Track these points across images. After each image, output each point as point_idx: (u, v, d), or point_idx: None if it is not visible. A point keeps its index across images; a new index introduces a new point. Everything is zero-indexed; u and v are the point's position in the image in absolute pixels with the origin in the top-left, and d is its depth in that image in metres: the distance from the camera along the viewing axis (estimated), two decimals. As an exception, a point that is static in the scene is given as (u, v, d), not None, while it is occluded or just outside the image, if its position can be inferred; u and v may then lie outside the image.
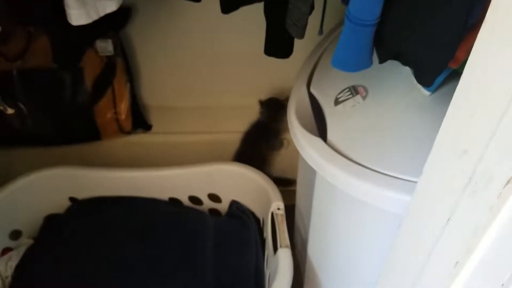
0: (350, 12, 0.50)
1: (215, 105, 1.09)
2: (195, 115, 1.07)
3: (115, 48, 0.91)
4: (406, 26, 0.48)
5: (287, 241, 0.74)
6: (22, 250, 0.83)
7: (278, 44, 0.62)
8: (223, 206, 0.95)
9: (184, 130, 1.05)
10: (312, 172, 0.64)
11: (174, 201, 0.94)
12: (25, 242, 0.87)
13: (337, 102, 0.63)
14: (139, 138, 1.04)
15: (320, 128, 0.65)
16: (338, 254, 0.68)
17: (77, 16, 0.58)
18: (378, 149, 0.56)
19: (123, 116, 0.99)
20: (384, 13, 0.49)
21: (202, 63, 1.03)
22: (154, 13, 0.94)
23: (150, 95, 1.08)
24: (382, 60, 0.54)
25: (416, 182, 0.51)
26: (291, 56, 0.69)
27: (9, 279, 0.79)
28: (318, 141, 0.59)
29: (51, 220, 0.90)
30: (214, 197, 0.95)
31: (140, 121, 1.04)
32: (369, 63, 0.54)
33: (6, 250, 0.83)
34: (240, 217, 0.90)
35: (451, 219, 0.35)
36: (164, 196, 0.93)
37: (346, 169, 0.55)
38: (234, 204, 0.92)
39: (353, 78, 0.64)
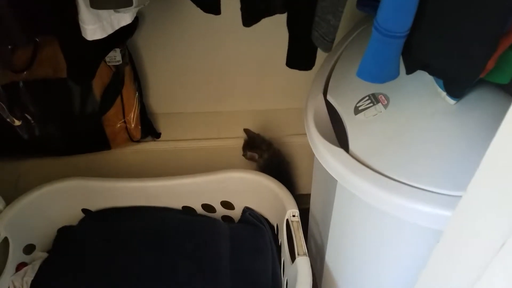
0: (379, 23, 0.47)
1: (224, 111, 1.05)
2: (204, 121, 1.04)
3: (123, 57, 0.87)
4: (437, 36, 0.45)
5: (304, 249, 0.71)
6: (37, 265, 0.79)
7: (301, 56, 0.58)
8: (236, 213, 0.92)
9: (193, 136, 1.01)
10: (331, 182, 0.61)
11: (187, 210, 0.90)
12: (39, 256, 0.83)
13: (357, 110, 0.60)
14: (149, 146, 1.00)
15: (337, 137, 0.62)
16: (358, 264, 0.65)
17: (92, 31, 0.54)
18: (404, 160, 0.53)
19: (132, 125, 0.95)
20: (414, 22, 0.46)
21: (209, 69, 1.00)
22: (160, 21, 0.90)
23: (158, 103, 1.05)
24: (409, 71, 0.50)
25: (445, 194, 0.49)
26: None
27: (25, 295, 0.76)
28: (341, 152, 0.56)
29: (64, 233, 0.86)
30: (227, 204, 0.91)
31: (149, 129, 1.00)
32: (396, 74, 0.51)
33: (21, 265, 0.79)
34: (254, 223, 0.87)
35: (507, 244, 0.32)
36: (178, 205, 0.90)
37: (372, 180, 0.52)
38: (247, 211, 0.89)
39: (371, 86, 0.61)
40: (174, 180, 0.88)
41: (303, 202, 0.85)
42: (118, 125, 0.94)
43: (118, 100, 0.92)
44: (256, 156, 0.96)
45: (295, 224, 0.76)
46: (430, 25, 0.46)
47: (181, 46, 0.95)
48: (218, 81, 1.02)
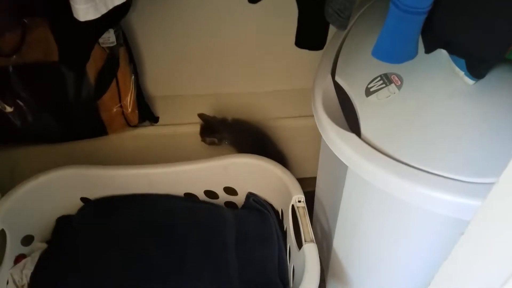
0: (399, -1, 0.42)
1: (224, 92, 1.01)
2: (204, 104, 0.99)
3: (117, 38, 0.82)
4: (461, 11, 0.41)
5: (311, 235, 0.69)
6: (36, 256, 0.76)
7: (312, 35, 0.53)
8: (239, 199, 0.89)
9: (193, 120, 0.96)
10: (340, 167, 0.58)
11: (189, 196, 0.87)
12: (39, 246, 0.80)
13: (368, 92, 0.56)
14: (147, 130, 0.96)
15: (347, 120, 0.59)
16: (369, 251, 0.63)
17: (85, 11, 0.49)
18: (420, 144, 0.49)
19: (129, 110, 0.91)
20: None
21: (209, 49, 0.94)
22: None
23: (155, 86, 1.00)
24: (429, 50, 0.47)
25: (464, 181, 0.46)
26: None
27: (25, 288, 0.73)
28: (352, 136, 0.52)
29: (63, 222, 0.83)
30: (230, 190, 0.88)
31: (146, 113, 0.96)
32: (415, 53, 0.47)
33: (20, 257, 0.76)
34: (259, 209, 0.84)
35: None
36: (179, 191, 0.87)
37: (386, 166, 0.48)
38: (251, 196, 0.86)
39: (383, 66, 0.56)
40: (175, 167, 0.84)
41: (306, 185, 0.82)
42: (114, 110, 0.89)
43: (114, 83, 0.87)
44: (215, 140, 0.92)
45: (301, 210, 0.73)
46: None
47: (178, 24, 0.90)
48: (218, 62, 0.97)
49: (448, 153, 0.47)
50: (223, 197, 0.89)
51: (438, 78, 0.53)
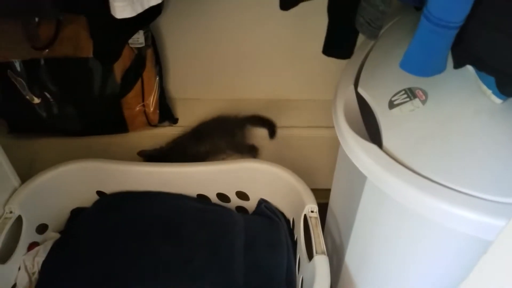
0: (430, 12, 0.41)
1: (242, 98, 1.00)
2: (221, 109, 0.99)
3: (146, 39, 0.82)
4: (495, 28, 0.39)
5: (323, 247, 0.67)
6: (48, 245, 0.75)
7: (340, 44, 0.53)
8: (250, 204, 0.87)
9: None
10: (358, 178, 0.56)
11: (202, 198, 0.86)
12: (51, 236, 0.79)
13: (392, 105, 0.54)
14: (166, 131, 0.95)
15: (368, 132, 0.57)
16: (383, 267, 0.60)
17: (122, 9, 0.50)
18: (443, 160, 0.47)
19: (151, 109, 0.91)
20: (470, 11, 0.40)
21: (230, 56, 0.95)
22: (185, 4, 0.85)
23: (177, 88, 1.00)
24: (458, 65, 0.45)
25: (489, 200, 0.44)
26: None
27: (35, 276, 0.72)
28: (374, 148, 0.51)
29: (77, 214, 0.82)
30: (242, 195, 0.87)
31: (167, 114, 0.95)
32: (443, 67, 0.45)
33: (33, 244, 0.76)
34: (269, 216, 0.82)
35: None
36: (193, 192, 0.85)
37: (407, 180, 0.46)
38: (262, 203, 0.84)
39: (407, 80, 0.55)
40: (190, 167, 0.83)
41: (318, 197, 0.80)
42: (137, 109, 0.89)
43: (139, 83, 0.87)
44: None
45: (313, 220, 0.71)
46: (488, 14, 0.40)
47: (203, 30, 0.90)
48: (239, 68, 0.97)
49: (472, 170, 0.45)
50: (235, 201, 0.87)
51: (464, 95, 0.51)
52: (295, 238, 0.77)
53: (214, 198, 0.87)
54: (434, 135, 0.49)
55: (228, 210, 0.85)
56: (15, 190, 0.76)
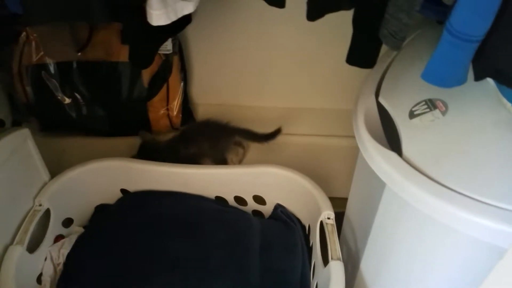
0: (452, 25, 0.42)
1: (262, 106, 1.02)
2: (241, 115, 1.01)
3: (173, 46, 0.86)
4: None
5: (339, 253, 0.67)
6: (73, 238, 0.78)
7: (364, 53, 0.54)
8: (267, 209, 0.89)
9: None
10: (376, 186, 0.57)
11: (220, 200, 0.88)
12: (76, 230, 0.82)
13: (412, 115, 0.55)
14: (187, 134, 0.98)
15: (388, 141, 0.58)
16: (400, 274, 0.60)
17: (158, 17, 0.53)
18: (463, 169, 0.48)
19: (174, 113, 0.94)
20: (492, 24, 0.41)
21: (253, 64, 0.97)
22: (211, 14, 0.88)
23: (199, 93, 1.03)
24: (479, 77, 0.46)
25: (508, 209, 0.44)
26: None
27: (60, 267, 0.75)
28: (394, 156, 0.52)
29: (101, 210, 0.85)
30: (259, 199, 0.88)
31: (189, 118, 0.99)
32: (465, 79, 0.46)
33: (59, 237, 0.79)
34: (285, 221, 0.83)
35: None
36: (211, 194, 0.87)
37: (427, 188, 0.47)
38: (279, 208, 0.85)
39: (428, 91, 0.56)
40: (209, 169, 0.86)
41: (334, 206, 0.81)
42: (161, 112, 0.92)
43: (164, 88, 0.90)
44: None
45: (329, 227, 0.72)
46: (509, 29, 0.41)
47: (227, 40, 0.93)
48: (259, 77, 0.99)
49: (490, 180, 0.46)
50: (252, 205, 0.88)
51: (484, 107, 0.52)
52: (311, 244, 0.78)
53: (231, 201, 0.88)
54: (453, 145, 0.50)
55: (245, 213, 0.86)
56: (45, 184, 0.79)
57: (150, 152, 0.89)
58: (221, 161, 0.92)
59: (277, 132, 0.89)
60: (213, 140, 0.90)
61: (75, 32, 0.82)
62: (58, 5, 0.50)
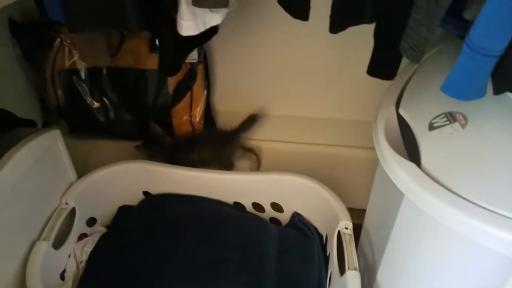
0: (471, 40, 0.44)
1: (282, 115, 1.05)
2: (261, 123, 1.04)
3: (198, 55, 0.89)
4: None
5: (355, 263, 0.68)
6: (96, 237, 0.81)
7: (385, 66, 0.56)
8: (284, 217, 0.90)
9: (248, 136, 1.01)
10: (395, 196, 0.58)
11: (238, 206, 0.90)
12: (99, 229, 0.85)
13: (431, 127, 0.56)
14: (207, 140, 1.01)
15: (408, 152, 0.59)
16: (417, 284, 0.61)
17: (188, 27, 0.56)
18: (482, 182, 0.48)
19: (197, 119, 0.97)
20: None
21: (273, 74, 1.00)
22: (235, 25, 0.92)
23: (221, 101, 1.07)
24: (498, 91, 0.47)
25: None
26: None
27: (83, 264, 0.78)
28: (412, 166, 0.53)
29: (123, 211, 0.88)
30: (276, 207, 0.90)
31: (210, 124, 1.02)
32: (483, 92, 0.47)
33: (82, 235, 0.82)
34: (303, 230, 0.84)
35: None
36: (230, 199, 0.89)
37: (446, 199, 0.48)
38: (296, 216, 0.87)
39: (448, 104, 0.57)
40: (228, 175, 0.88)
41: (352, 217, 0.81)
42: (184, 118, 0.96)
43: (188, 95, 0.94)
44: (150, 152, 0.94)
45: (347, 237, 0.72)
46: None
47: (250, 50, 0.96)
48: (280, 87, 1.02)
49: (509, 192, 0.46)
50: (269, 212, 0.90)
51: (503, 121, 0.53)
52: (327, 254, 0.79)
53: (249, 207, 0.90)
54: (472, 158, 0.51)
55: (262, 219, 0.88)
56: (71, 184, 0.83)
57: (154, 143, 0.94)
58: (228, 166, 0.95)
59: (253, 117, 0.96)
60: (218, 148, 0.94)
61: (108, 38, 0.86)
62: (97, 14, 0.54)
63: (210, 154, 0.94)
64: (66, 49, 0.91)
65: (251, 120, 0.96)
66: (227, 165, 0.95)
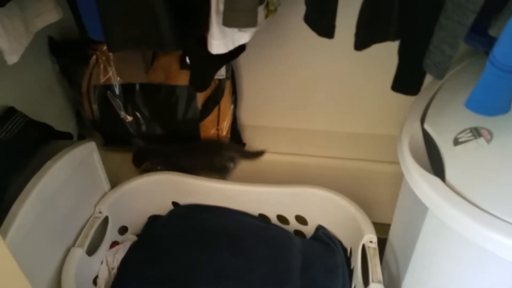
0: (495, 57, 0.46)
1: (309, 129, 1.07)
2: (287, 137, 1.07)
3: (226, 72, 0.94)
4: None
5: (379, 276, 0.69)
6: (127, 245, 0.86)
7: (409, 82, 0.58)
8: (308, 229, 0.92)
9: (275, 150, 1.04)
10: (419, 211, 0.59)
11: (263, 217, 0.92)
12: (130, 238, 0.90)
13: (456, 142, 0.58)
14: (233, 154, 1.04)
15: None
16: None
17: (218, 46, 0.60)
18: (505, 197, 0.49)
19: (223, 133, 1.01)
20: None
21: (298, 89, 1.03)
22: (260, 44, 0.95)
23: (247, 116, 1.10)
24: (523, 107, 0.48)
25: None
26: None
27: (114, 271, 0.82)
28: (437, 180, 0.54)
29: (153, 220, 0.93)
30: (300, 219, 0.92)
31: (236, 138, 1.05)
32: (507, 108, 0.49)
33: (114, 243, 0.87)
34: (327, 243, 0.86)
35: None
36: (255, 211, 0.92)
37: (467, 212, 0.49)
38: (321, 229, 0.88)
39: (473, 119, 0.58)
40: (254, 187, 0.91)
41: (376, 231, 0.82)
42: (212, 132, 1.00)
43: (216, 109, 0.98)
44: (148, 165, 0.98)
45: (371, 251, 0.74)
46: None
47: (276, 67, 1.00)
48: (305, 101, 1.04)
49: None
50: (293, 224, 0.92)
51: (531, 137, 0.53)
52: (352, 267, 0.80)
53: (274, 219, 0.92)
54: (497, 173, 0.52)
55: (286, 231, 0.90)
56: (105, 194, 0.88)
57: (143, 153, 1.01)
58: (222, 171, 0.99)
59: (260, 153, 0.99)
60: (209, 157, 0.99)
61: (143, 56, 0.92)
62: (135, 35, 0.59)
63: (200, 164, 0.98)
64: (101, 66, 0.97)
65: (256, 154, 1.00)
66: (221, 171, 0.99)
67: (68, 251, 0.77)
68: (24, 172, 0.71)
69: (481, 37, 0.61)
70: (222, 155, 0.98)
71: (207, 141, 1.00)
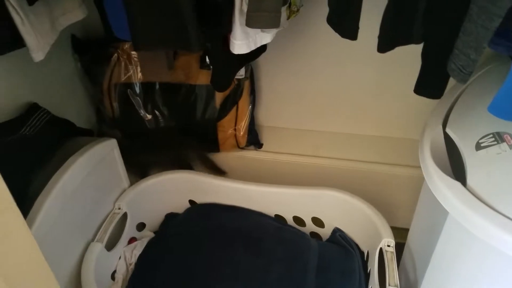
0: (520, 61, 0.46)
1: (326, 131, 1.08)
2: (304, 139, 1.08)
3: (245, 72, 0.95)
4: None
5: (396, 280, 0.69)
6: (145, 241, 0.88)
7: (432, 85, 0.59)
8: (325, 232, 0.93)
9: (292, 151, 1.05)
10: (440, 215, 0.59)
11: (279, 218, 0.94)
12: (147, 234, 0.92)
13: (478, 147, 0.58)
14: (251, 154, 1.06)
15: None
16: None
17: (240, 46, 0.62)
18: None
19: (241, 133, 1.03)
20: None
21: (317, 91, 1.04)
22: (281, 44, 0.97)
23: (265, 116, 1.12)
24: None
25: None
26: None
27: (132, 266, 0.85)
28: (458, 185, 0.55)
29: (171, 218, 0.95)
30: (317, 221, 0.92)
31: (254, 139, 1.07)
32: (532, 113, 0.49)
33: (132, 239, 0.90)
34: (344, 245, 0.86)
35: None
36: (271, 212, 0.94)
37: (489, 217, 0.49)
38: (337, 232, 0.89)
39: (496, 124, 0.59)
40: (271, 188, 0.92)
41: (394, 235, 0.82)
42: (229, 132, 1.02)
43: (234, 109, 1.00)
44: None
45: (389, 255, 0.74)
46: None
47: (295, 68, 1.01)
48: (324, 103, 1.05)
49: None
50: (310, 226, 0.93)
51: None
52: (368, 271, 0.80)
53: (290, 221, 0.94)
54: (521, 179, 0.52)
55: (303, 233, 0.91)
56: (124, 191, 0.91)
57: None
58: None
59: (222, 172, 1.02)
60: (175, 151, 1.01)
61: (166, 54, 0.95)
62: (161, 35, 0.61)
63: (167, 159, 1.00)
64: (122, 64, 0.99)
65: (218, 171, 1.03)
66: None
67: (88, 245, 0.80)
68: (47, 167, 0.74)
69: (506, 42, 0.61)
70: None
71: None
